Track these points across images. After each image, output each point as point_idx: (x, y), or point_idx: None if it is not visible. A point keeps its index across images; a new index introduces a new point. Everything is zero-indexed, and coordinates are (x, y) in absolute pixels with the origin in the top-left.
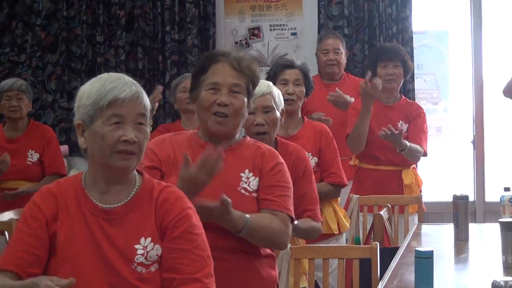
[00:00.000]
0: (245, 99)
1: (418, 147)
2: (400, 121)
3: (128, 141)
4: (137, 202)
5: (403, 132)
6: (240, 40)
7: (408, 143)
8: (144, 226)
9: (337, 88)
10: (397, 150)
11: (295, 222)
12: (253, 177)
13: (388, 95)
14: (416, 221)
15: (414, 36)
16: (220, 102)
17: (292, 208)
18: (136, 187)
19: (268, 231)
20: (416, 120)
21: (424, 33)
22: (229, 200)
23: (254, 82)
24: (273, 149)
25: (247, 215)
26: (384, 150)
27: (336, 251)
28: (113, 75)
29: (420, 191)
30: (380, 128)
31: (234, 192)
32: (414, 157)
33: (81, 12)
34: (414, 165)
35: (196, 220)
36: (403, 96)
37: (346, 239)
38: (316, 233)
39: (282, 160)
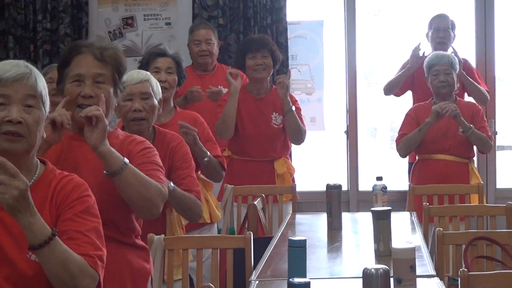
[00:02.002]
0: (111, 89)
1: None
2: (274, 114)
3: (12, 121)
4: (35, 190)
5: (279, 124)
6: (114, 30)
7: None
8: (40, 214)
9: (221, 88)
10: None
11: (172, 184)
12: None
13: (258, 85)
14: (290, 211)
15: (289, 27)
16: (85, 94)
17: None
18: (36, 175)
19: (144, 183)
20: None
21: (299, 23)
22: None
23: (119, 71)
24: (143, 138)
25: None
26: (254, 144)
27: (210, 241)
28: (11, 61)
29: (293, 180)
30: (252, 121)
31: (106, 180)
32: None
33: None
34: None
35: (93, 208)
36: (273, 86)
37: (220, 229)
38: (198, 209)
39: (151, 145)
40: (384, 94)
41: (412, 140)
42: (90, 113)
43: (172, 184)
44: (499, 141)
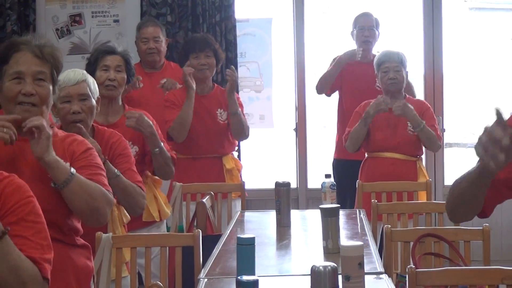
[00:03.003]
0: (50, 87)
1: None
2: (219, 110)
3: None
4: None
5: (224, 120)
6: (61, 27)
7: None
8: None
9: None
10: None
11: (116, 170)
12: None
13: (202, 84)
14: (239, 208)
15: (238, 24)
16: (26, 92)
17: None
18: None
19: (91, 192)
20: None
21: (248, 21)
22: None
23: (58, 69)
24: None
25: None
26: (202, 140)
27: (159, 239)
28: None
29: (240, 176)
30: (198, 119)
31: (47, 180)
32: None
33: None
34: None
35: (37, 208)
36: (216, 85)
37: (169, 227)
38: (142, 199)
39: (91, 146)
40: (317, 93)
41: (358, 133)
42: (30, 124)
43: (116, 170)
44: (447, 138)
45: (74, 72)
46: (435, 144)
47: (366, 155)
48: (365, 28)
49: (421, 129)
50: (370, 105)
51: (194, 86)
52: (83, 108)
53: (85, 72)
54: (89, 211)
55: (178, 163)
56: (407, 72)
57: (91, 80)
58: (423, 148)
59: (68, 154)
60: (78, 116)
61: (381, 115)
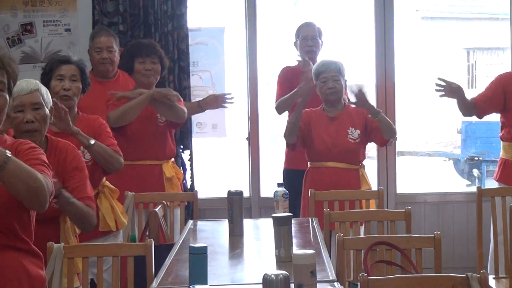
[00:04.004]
0: (8, 97)
1: None
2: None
3: None
4: None
5: (164, 122)
6: (12, 36)
7: None
8: None
9: None
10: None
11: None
12: None
13: (145, 88)
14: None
15: (190, 34)
16: None
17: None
18: None
19: (31, 173)
20: None
21: (200, 30)
22: None
23: (14, 80)
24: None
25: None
26: (142, 144)
27: (111, 249)
28: None
29: (181, 184)
30: (139, 121)
31: None
32: None
33: None
34: (173, 159)
35: None
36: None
37: (123, 237)
38: (91, 218)
39: (38, 146)
40: (277, 113)
41: (292, 124)
42: None
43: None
44: (399, 147)
45: (27, 82)
46: (393, 129)
47: (309, 164)
48: (308, 38)
49: (379, 118)
50: (297, 93)
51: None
52: (36, 117)
53: (37, 81)
54: (30, 191)
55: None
56: (345, 80)
57: (44, 89)
58: (376, 154)
59: (14, 153)
60: (31, 125)
61: (320, 125)
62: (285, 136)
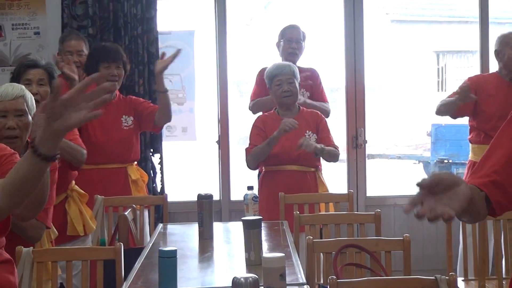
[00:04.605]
0: None
1: None
2: (124, 116)
3: None
4: None
5: (130, 125)
6: None
7: None
8: None
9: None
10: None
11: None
12: None
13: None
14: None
15: (160, 37)
16: None
17: None
18: None
19: None
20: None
21: (170, 33)
22: None
23: None
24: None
25: None
26: (106, 149)
27: (80, 252)
28: None
29: (147, 188)
30: (101, 126)
31: None
32: None
33: None
34: (136, 162)
35: None
36: (118, 92)
37: (91, 241)
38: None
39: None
40: (252, 112)
41: (261, 153)
42: None
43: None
44: (369, 150)
45: (12, 87)
46: (337, 157)
47: (263, 168)
48: (293, 40)
49: (322, 153)
50: (279, 131)
51: (76, 77)
52: (18, 124)
53: (23, 87)
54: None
55: (83, 173)
56: (299, 83)
57: (29, 95)
58: (346, 157)
59: None
60: (13, 132)
61: (274, 127)
62: (249, 161)
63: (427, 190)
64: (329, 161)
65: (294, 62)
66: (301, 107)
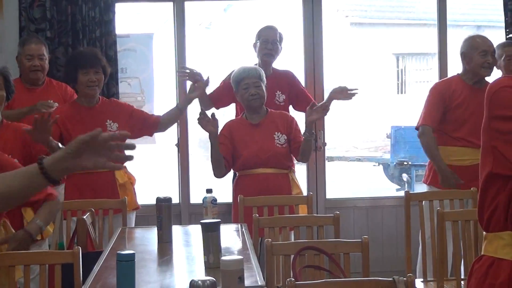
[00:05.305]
0: None
1: None
2: (108, 121)
3: None
4: None
5: (114, 131)
6: None
7: None
8: None
9: (51, 101)
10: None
11: None
12: None
13: (91, 99)
14: (121, 225)
15: (118, 40)
16: None
17: None
18: None
19: None
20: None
21: (128, 36)
22: None
23: None
24: None
25: None
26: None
27: (38, 256)
28: None
29: (134, 190)
30: (86, 131)
31: None
32: None
33: None
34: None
35: None
36: (101, 97)
37: (50, 245)
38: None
39: None
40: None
41: (213, 159)
42: None
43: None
44: (328, 152)
45: None
46: (309, 157)
47: (236, 174)
48: (269, 41)
49: (309, 139)
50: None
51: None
52: None
53: None
54: None
55: (72, 179)
56: (266, 86)
57: None
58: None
59: None
60: None
61: (243, 134)
62: (216, 175)
63: None
64: (302, 157)
65: (270, 63)
66: (269, 110)
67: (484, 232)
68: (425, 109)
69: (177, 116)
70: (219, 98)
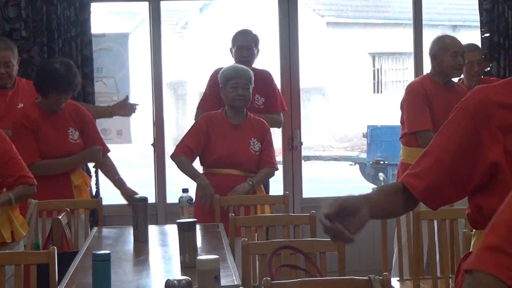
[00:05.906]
0: None
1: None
2: (70, 129)
3: None
4: None
5: (76, 140)
6: None
7: None
8: None
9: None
10: None
11: None
12: None
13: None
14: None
15: (94, 39)
16: None
17: None
18: None
19: None
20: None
21: (104, 36)
22: None
23: None
24: None
25: None
26: (53, 157)
27: (13, 257)
28: None
29: (90, 191)
30: (49, 137)
31: None
32: None
33: None
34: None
35: None
36: (74, 102)
37: (25, 246)
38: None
39: None
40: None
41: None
42: None
43: None
44: (305, 152)
45: None
46: (272, 175)
47: (202, 169)
48: (243, 48)
49: (257, 186)
50: (200, 195)
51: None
52: None
53: None
54: None
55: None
56: (252, 88)
57: None
58: (282, 158)
59: None
60: None
61: (221, 131)
62: (177, 163)
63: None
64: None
65: (249, 67)
66: (249, 113)
67: (473, 230)
68: (415, 113)
69: (104, 115)
70: (213, 107)
